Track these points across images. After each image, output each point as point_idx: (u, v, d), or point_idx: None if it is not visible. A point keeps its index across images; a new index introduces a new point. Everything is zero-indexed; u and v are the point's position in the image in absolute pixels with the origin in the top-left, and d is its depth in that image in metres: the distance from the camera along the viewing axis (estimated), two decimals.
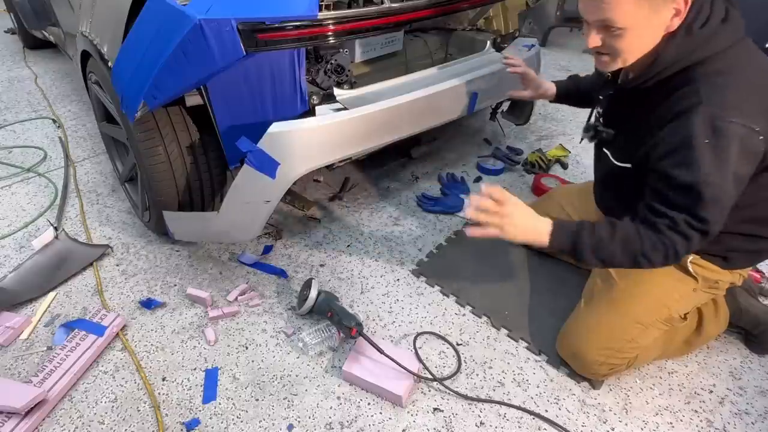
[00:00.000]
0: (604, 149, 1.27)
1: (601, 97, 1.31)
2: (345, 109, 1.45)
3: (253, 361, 1.40)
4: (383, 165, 2.27)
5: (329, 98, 1.49)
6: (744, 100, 0.96)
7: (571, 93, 1.60)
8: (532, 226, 1.11)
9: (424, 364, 1.37)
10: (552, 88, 1.60)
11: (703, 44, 0.99)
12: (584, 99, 1.58)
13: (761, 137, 0.96)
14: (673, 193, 1.01)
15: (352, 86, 1.56)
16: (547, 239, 1.10)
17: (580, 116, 2.75)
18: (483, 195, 1.10)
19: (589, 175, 2.21)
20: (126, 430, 1.23)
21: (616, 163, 1.21)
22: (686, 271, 1.23)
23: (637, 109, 1.14)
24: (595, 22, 1.01)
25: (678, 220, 1.01)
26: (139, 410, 1.27)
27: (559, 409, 1.29)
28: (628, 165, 1.16)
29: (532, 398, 1.31)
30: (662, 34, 1.01)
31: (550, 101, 1.63)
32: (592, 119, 1.34)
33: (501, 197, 1.09)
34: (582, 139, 1.40)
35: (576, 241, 1.09)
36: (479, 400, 1.30)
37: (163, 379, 1.35)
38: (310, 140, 1.40)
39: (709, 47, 0.99)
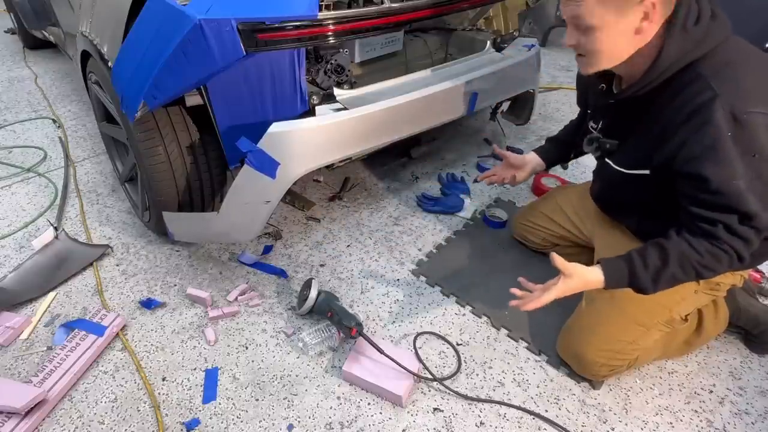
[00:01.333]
0: (608, 160, 1.25)
1: (589, 111, 1.31)
2: (345, 109, 1.45)
3: (253, 361, 1.40)
4: (383, 165, 2.27)
5: (329, 98, 1.49)
6: (757, 87, 0.96)
7: (558, 152, 1.57)
8: (584, 285, 1.11)
9: (424, 364, 1.37)
10: (540, 163, 1.56)
11: (701, 40, 0.99)
12: (573, 146, 1.55)
13: None
14: (714, 196, 0.99)
15: (352, 86, 1.56)
16: (603, 286, 1.10)
17: None
18: (525, 287, 1.16)
19: (589, 175, 2.22)
20: (126, 430, 1.23)
21: (627, 171, 1.19)
22: None
23: (643, 116, 1.12)
24: (570, 19, 1.03)
25: (730, 222, 1.00)
26: (139, 410, 1.27)
27: (559, 409, 1.29)
28: (646, 171, 1.13)
29: (532, 398, 1.31)
30: (633, 37, 1.00)
31: (546, 171, 1.58)
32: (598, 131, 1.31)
33: (552, 296, 1.11)
34: (575, 156, 1.40)
35: (632, 279, 1.09)
36: (479, 400, 1.30)
37: (163, 379, 1.35)
38: (310, 140, 1.40)
39: (707, 42, 0.99)
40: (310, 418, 1.26)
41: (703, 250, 1.03)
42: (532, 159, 1.57)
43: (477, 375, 1.37)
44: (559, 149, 1.58)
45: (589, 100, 1.35)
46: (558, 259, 1.10)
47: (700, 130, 0.97)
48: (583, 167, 2.29)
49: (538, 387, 1.34)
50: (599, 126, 1.30)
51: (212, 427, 1.24)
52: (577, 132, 1.47)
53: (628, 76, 1.13)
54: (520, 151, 2.36)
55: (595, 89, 1.24)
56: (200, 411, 1.27)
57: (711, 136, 0.96)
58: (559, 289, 1.11)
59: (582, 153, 1.52)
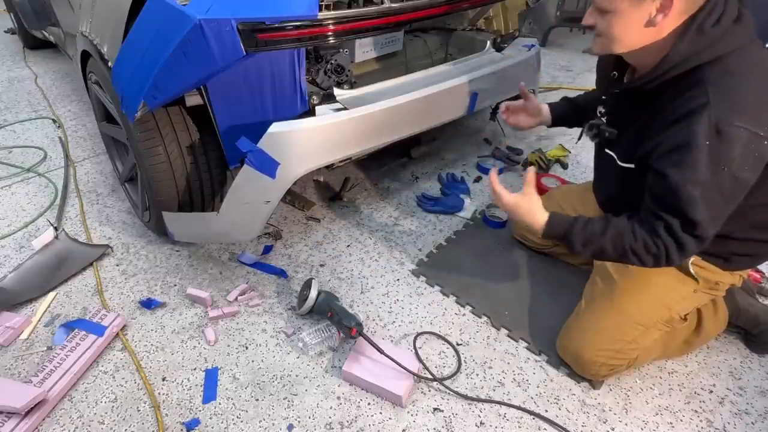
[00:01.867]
0: (607, 150, 1.26)
1: (603, 97, 1.30)
2: (345, 109, 1.45)
3: (253, 361, 1.40)
4: (383, 165, 2.27)
5: (329, 98, 1.49)
6: (753, 103, 0.95)
7: (566, 113, 1.57)
8: (528, 211, 1.21)
9: (424, 364, 1.37)
10: (547, 118, 1.57)
11: (714, 43, 0.97)
12: (582, 115, 1.55)
13: (766, 141, 0.95)
14: (667, 194, 1.01)
15: (352, 86, 1.56)
16: (543, 226, 1.19)
17: None
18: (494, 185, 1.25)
19: (589, 175, 2.22)
20: (126, 430, 1.23)
21: (620, 163, 1.20)
22: (687, 273, 1.23)
23: (644, 110, 1.13)
24: (593, 2, 1.05)
25: (672, 223, 1.02)
26: (139, 410, 1.27)
27: (559, 409, 1.29)
28: (632, 165, 1.15)
29: (532, 398, 1.31)
30: (648, 29, 1.00)
31: (548, 126, 1.59)
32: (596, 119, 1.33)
33: (501, 199, 1.24)
34: (581, 136, 1.39)
35: (567, 232, 1.16)
36: (479, 400, 1.30)
37: (163, 379, 1.35)
38: (310, 140, 1.40)
39: (720, 47, 0.97)
40: (310, 418, 1.26)
41: (639, 237, 1.07)
42: (545, 110, 1.56)
43: (477, 375, 1.37)
44: (571, 113, 1.56)
45: (604, 85, 1.34)
46: (530, 175, 1.23)
47: (681, 132, 0.98)
48: (583, 167, 2.29)
49: (538, 387, 1.34)
50: (604, 111, 1.30)
51: (212, 427, 1.24)
52: (591, 105, 1.46)
53: (640, 68, 1.12)
54: (520, 151, 2.36)
55: (608, 75, 1.25)
56: (200, 411, 1.27)
57: (686, 139, 0.97)
58: (509, 197, 1.22)
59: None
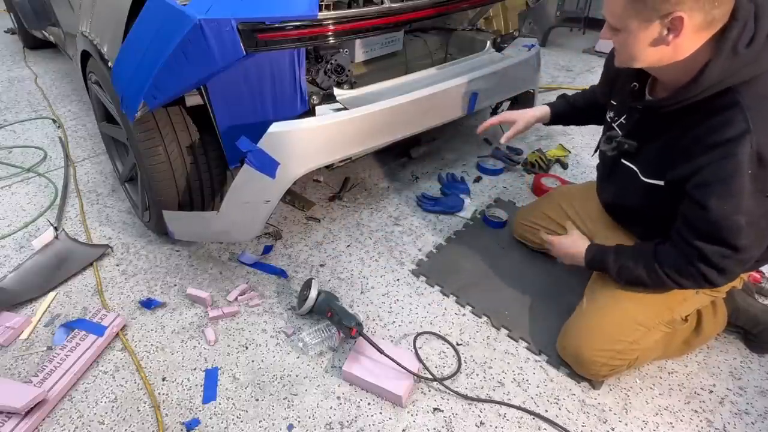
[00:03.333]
0: (625, 161, 1.24)
1: (613, 102, 1.28)
2: (345, 109, 1.45)
3: (253, 361, 1.40)
4: (383, 165, 2.27)
5: (329, 98, 1.49)
6: None
7: (566, 113, 1.60)
8: (572, 244, 1.39)
9: (424, 364, 1.37)
10: (546, 115, 1.59)
11: (749, 64, 0.94)
12: (580, 117, 1.59)
13: None
14: (708, 225, 1.01)
15: (352, 86, 1.56)
16: (583, 260, 1.33)
17: None
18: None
19: (589, 175, 2.22)
20: (126, 430, 1.23)
21: (644, 179, 1.18)
22: None
23: (671, 127, 1.10)
24: (605, 15, 1.04)
25: (707, 252, 1.03)
26: (139, 410, 1.27)
27: (559, 409, 1.29)
28: (660, 182, 1.13)
29: (532, 398, 1.31)
30: (661, 50, 0.98)
31: (545, 124, 1.62)
32: (612, 129, 1.30)
33: (550, 241, 1.46)
34: (597, 150, 1.39)
35: (602, 264, 1.27)
36: (479, 400, 1.30)
37: (163, 379, 1.35)
38: (310, 140, 1.40)
39: (756, 67, 0.95)
40: (310, 418, 1.26)
41: (674, 265, 1.11)
42: (538, 108, 1.60)
43: (477, 375, 1.37)
44: (570, 113, 1.59)
45: (615, 89, 1.32)
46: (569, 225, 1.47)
47: (721, 160, 0.96)
48: (583, 167, 2.29)
49: (538, 387, 1.34)
50: (619, 121, 1.27)
51: (212, 427, 1.24)
52: (591, 107, 1.50)
53: (664, 84, 1.10)
54: (520, 151, 2.36)
55: (626, 84, 1.23)
56: (200, 411, 1.27)
57: (729, 170, 0.95)
58: (559, 239, 1.43)
59: (582, 124, 1.63)
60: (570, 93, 1.65)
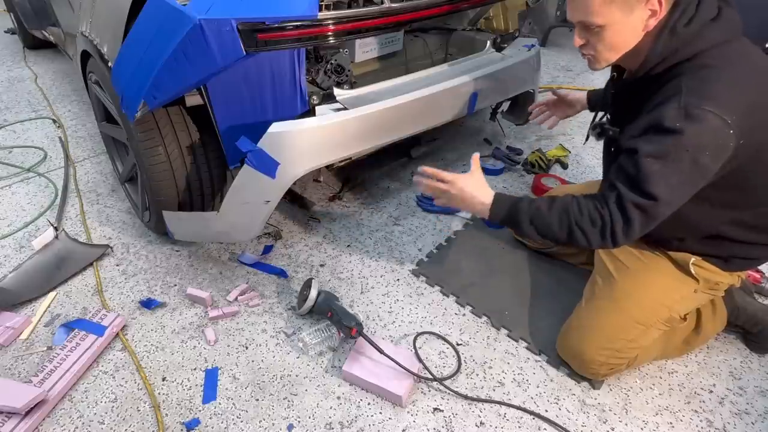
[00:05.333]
0: (613, 148, 1.26)
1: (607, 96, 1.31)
2: (345, 109, 1.45)
3: (253, 361, 1.40)
4: (383, 165, 2.27)
5: (329, 98, 1.49)
6: (724, 92, 0.97)
7: (600, 97, 1.59)
8: (471, 197, 1.21)
9: (424, 364, 1.37)
10: (583, 98, 1.64)
11: (688, 42, 1.00)
12: None
13: (731, 131, 0.95)
14: (630, 165, 1.02)
15: (352, 86, 1.56)
16: (488, 208, 1.19)
17: (579, 116, 2.74)
18: (429, 176, 1.26)
19: (589, 175, 2.22)
20: (126, 430, 1.23)
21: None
22: (688, 273, 1.23)
23: (633, 106, 1.15)
24: (578, 23, 1.07)
25: (623, 194, 1.02)
26: (139, 410, 1.27)
27: (559, 409, 1.29)
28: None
29: (532, 398, 1.31)
30: (641, 32, 1.03)
31: (589, 110, 1.63)
32: (601, 118, 1.33)
33: (447, 178, 1.23)
34: (587, 137, 1.40)
35: (513, 210, 1.16)
36: (479, 400, 1.30)
37: (163, 379, 1.35)
38: (310, 140, 1.40)
39: (695, 45, 1.00)
40: (310, 418, 1.26)
41: (585, 210, 1.07)
42: (582, 97, 1.63)
43: (477, 375, 1.37)
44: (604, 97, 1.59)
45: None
46: (475, 157, 1.27)
47: (652, 116, 1.01)
48: (583, 167, 2.29)
49: (538, 387, 1.34)
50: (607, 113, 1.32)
51: (212, 427, 1.24)
52: None
53: (628, 69, 1.15)
54: (520, 151, 2.36)
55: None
56: (200, 411, 1.27)
57: (655, 119, 0.99)
58: (456, 178, 1.22)
59: None
60: (570, 93, 1.65)
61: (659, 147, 0.98)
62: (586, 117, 2.28)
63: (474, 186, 1.21)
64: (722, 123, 0.94)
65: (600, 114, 1.34)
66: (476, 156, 1.28)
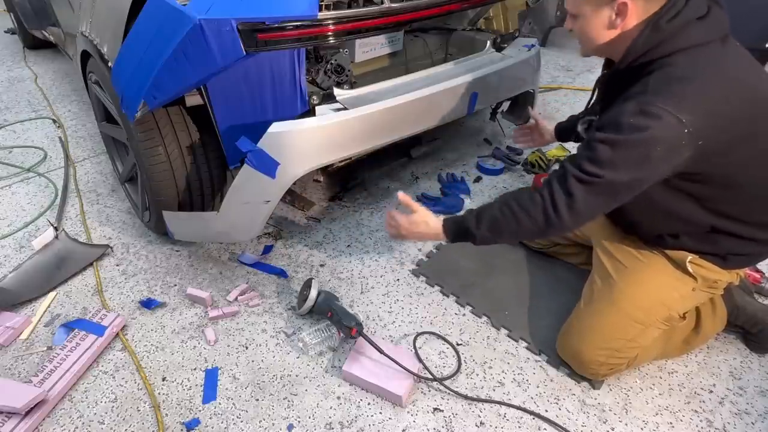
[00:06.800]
0: None
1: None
2: (345, 109, 1.45)
3: (253, 361, 1.40)
4: (383, 165, 2.27)
5: (329, 98, 1.49)
6: (686, 95, 0.97)
7: (568, 128, 1.67)
8: (424, 225, 1.27)
9: (424, 364, 1.37)
10: (552, 130, 1.72)
11: (669, 38, 1.01)
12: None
13: (686, 130, 0.95)
14: (581, 149, 1.06)
15: (352, 86, 1.56)
16: (442, 232, 1.25)
17: None
18: (389, 214, 1.33)
19: None
20: (126, 430, 1.23)
21: None
22: (685, 271, 1.23)
23: (612, 98, 1.14)
24: (566, 5, 1.14)
25: (568, 169, 1.05)
26: (139, 410, 1.27)
27: (559, 409, 1.29)
28: None
29: (532, 398, 1.31)
30: (612, 29, 1.07)
31: (552, 141, 1.74)
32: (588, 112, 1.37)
33: (396, 218, 1.30)
34: (577, 135, 1.42)
35: (460, 220, 1.22)
36: (479, 400, 1.30)
37: (163, 379, 1.35)
38: (310, 140, 1.40)
39: (676, 42, 1.00)
40: (310, 418, 1.26)
41: (527, 194, 1.11)
42: (551, 129, 1.73)
43: (477, 375, 1.37)
44: (573, 126, 1.63)
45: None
46: (402, 197, 1.29)
47: (612, 110, 1.03)
48: None
49: (538, 387, 1.34)
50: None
51: (212, 427, 1.24)
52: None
53: (615, 61, 1.16)
54: (520, 151, 2.36)
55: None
56: (200, 411, 1.27)
57: (616, 114, 1.01)
58: (402, 219, 1.28)
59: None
60: (570, 93, 1.67)
61: (612, 136, 1.00)
62: None
63: (421, 217, 1.27)
64: (676, 121, 0.95)
65: (590, 106, 1.36)
66: (402, 194, 1.31)
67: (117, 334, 1.46)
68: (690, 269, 1.22)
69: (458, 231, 1.22)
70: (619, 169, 1.00)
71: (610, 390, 1.33)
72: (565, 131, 1.68)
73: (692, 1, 1.01)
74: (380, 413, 1.27)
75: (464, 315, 1.54)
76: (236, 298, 1.58)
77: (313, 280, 1.50)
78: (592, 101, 1.33)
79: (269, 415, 1.26)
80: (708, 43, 1.01)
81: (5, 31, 4.10)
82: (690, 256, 1.22)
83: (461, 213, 1.25)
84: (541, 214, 1.08)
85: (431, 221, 1.26)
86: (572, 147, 2.40)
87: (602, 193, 1.03)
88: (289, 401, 1.30)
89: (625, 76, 1.10)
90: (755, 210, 1.14)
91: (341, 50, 1.56)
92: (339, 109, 1.45)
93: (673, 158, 0.99)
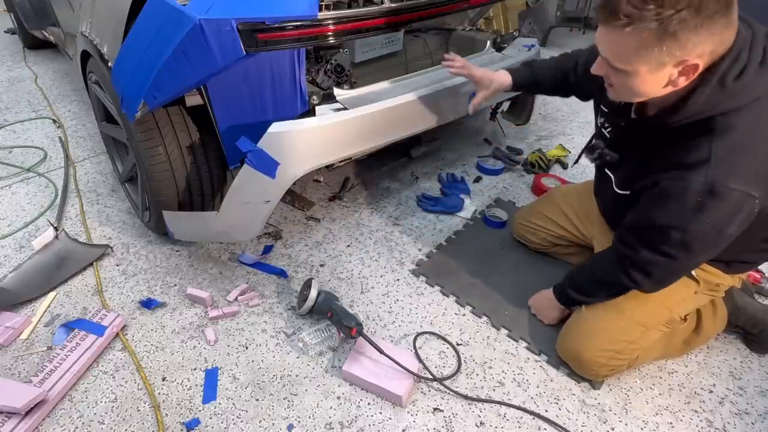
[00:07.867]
0: (607, 170, 1.25)
1: (605, 110, 1.25)
2: (345, 109, 1.45)
3: (253, 361, 1.40)
4: (383, 165, 2.27)
5: (329, 98, 1.49)
6: (752, 166, 0.94)
7: (529, 85, 1.53)
8: (548, 302, 1.46)
9: (424, 364, 1.37)
10: (506, 80, 1.50)
11: (733, 96, 0.92)
12: (547, 91, 1.55)
13: (757, 201, 0.95)
14: (650, 231, 1.07)
15: (352, 86, 1.56)
16: (558, 304, 1.44)
17: (579, 116, 2.75)
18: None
19: (589, 175, 2.22)
20: (126, 430, 1.23)
21: (616, 189, 1.20)
22: (688, 275, 1.23)
23: (652, 144, 1.09)
24: (603, 58, 0.98)
25: (639, 255, 1.11)
26: (139, 410, 1.27)
27: (559, 409, 1.29)
28: (627, 192, 1.16)
29: (532, 398, 1.31)
30: (667, 87, 0.95)
31: (507, 91, 1.53)
32: (595, 139, 1.29)
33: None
34: (576, 161, 1.41)
35: (567, 293, 1.38)
36: (479, 400, 1.30)
37: (163, 379, 1.35)
38: (310, 140, 1.40)
39: (739, 99, 0.92)
40: (310, 418, 1.26)
41: (608, 267, 1.22)
42: (500, 74, 1.50)
43: (477, 375, 1.37)
44: (532, 83, 1.53)
45: (603, 96, 1.20)
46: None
47: (674, 180, 0.99)
48: (583, 167, 2.28)
49: (538, 387, 1.34)
50: (609, 129, 1.25)
51: (212, 427, 1.24)
52: (556, 89, 1.53)
53: (652, 106, 1.06)
54: (520, 151, 2.37)
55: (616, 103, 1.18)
56: (200, 411, 1.27)
57: (679, 190, 0.98)
58: (534, 300, 1.56)
59: (552, 94, 1.58)
60: (479, 71, 1.52)
61: (682, 218, 0.99)
62: (587, 118, 2.33)
63: (541, 296, 1.50)
64: (748, 198, 0.94)
65: (593, 133, 1.31)
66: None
67: (117, 334, 1.46)
68: (693, 273, 1.22)
69: (570, 299, 1.38)
70: (694, 250, 1.04)
71: (610, 390, 1.33)
72: (521, 86, 1.53)
73: (755, 48, 0.92)
74: (380, 413, 1.27)
75: (464, 315, 1.54)
76: (236, 298, 1.58)
77: (313, 280, 1.50)
78: (599, 127, 1.29)
79: (269, 415, 1.26)
80: (766, 95, 0.93)
81: (5, 31, 4.10)
82: None
83: (563, 284, 1.41)
84: (627, 282, 1.18)
85: (545, 293, 1.49)
86: (573, 147, 2.40)
87: (679, 269, 1.13)
88: (289, 401, 1.30)
89: (668, 129, 1.02)
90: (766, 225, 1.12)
91: (341, 50, 1.56)
92: (339, 109, 1.45)
93: (744, 226, 1.00)
